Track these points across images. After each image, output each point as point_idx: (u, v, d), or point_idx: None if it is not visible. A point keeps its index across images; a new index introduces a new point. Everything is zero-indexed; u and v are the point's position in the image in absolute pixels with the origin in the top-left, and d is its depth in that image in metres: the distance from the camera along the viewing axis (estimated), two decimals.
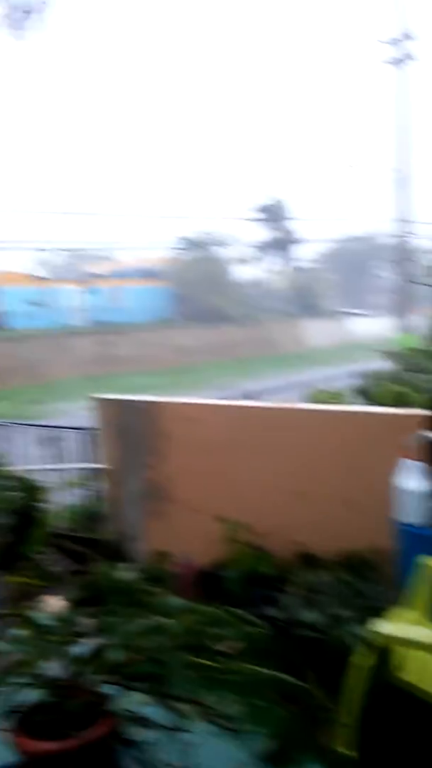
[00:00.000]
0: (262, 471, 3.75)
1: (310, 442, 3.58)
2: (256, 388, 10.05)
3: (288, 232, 38.24)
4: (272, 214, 37.15)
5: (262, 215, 37.09)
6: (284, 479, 3.65)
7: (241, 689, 2.68)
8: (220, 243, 32.87)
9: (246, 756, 2.38)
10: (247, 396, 8.94)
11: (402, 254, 19.23)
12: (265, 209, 37.05)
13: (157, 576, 3.77)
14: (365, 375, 8.20)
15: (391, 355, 8.57)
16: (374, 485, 3.31)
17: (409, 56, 19.40)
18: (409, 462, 2.98)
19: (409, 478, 2.96)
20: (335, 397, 7.99)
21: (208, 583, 3.39)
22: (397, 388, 6.53)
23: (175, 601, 2.68)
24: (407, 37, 19.28)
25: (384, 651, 2.17)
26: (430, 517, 2.93)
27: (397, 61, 19.36)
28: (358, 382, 8.74)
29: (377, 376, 7.88)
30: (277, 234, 38.21)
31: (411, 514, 2.95)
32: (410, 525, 2.94)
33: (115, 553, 3.97)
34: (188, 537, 3.95)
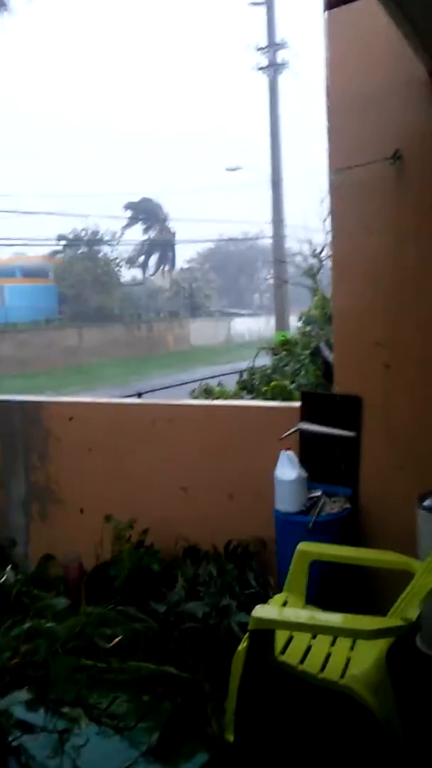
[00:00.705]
0: (147, 467, 3.78)
1: (192, 437, 3.65)
2: (144, 387, 10.03)
3: (167, 233, 38.45)
4: (149, 213, 37.18)
5: (139, 215, 37.02)
6: (169, 475, 3.71)
7: (128, 686, 2.70)
8: (103, 242, 32.42)
9: (133, 753, 2.40)
10: (137, 395, 8.93)
11: (277, 255, 19.91)
12: (141, 209, 37.01)
13: (44, 579, 3.70)
14: (247, 371, 8.45)
15: (268, 350, 8.90)
16: (255, 477, 3.43)
17: (280, 63, 20.13)
18: (285, 452, 3.12)
19: (286, 468, 3.11)
20: (221, 394, 8.19)
21: (95, 583, 3.36)
22: (277, 381, 6.79)
23: (60, 602, 2.65)
24: (278, 45, 20.00)
25: (263, 635, 2.27)
26: (304, 504, 3.09)
27: (269, 68, 20.02)
28: (241, 378, 9.00)
29: (258, 372, 8.17)
30: (157, 234, 38.30)
31: (287, 503, 3.10)
32: (286, 513, 3.08)
33: None
34: (75, 538, 3.90)
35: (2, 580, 2.16)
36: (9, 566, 2.54)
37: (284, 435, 3.20)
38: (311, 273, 10.42)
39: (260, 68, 20.07)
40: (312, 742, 2.31)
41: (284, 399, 5.52)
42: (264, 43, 19.93)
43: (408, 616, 2.13)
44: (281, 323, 19.19)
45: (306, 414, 3.29)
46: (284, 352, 8.35)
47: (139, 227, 37.91)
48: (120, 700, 2.66)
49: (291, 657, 2.36)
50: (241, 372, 9.79)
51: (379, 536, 3.09)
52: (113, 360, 26.22)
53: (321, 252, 10.72)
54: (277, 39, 19.94)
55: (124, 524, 3.57)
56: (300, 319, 10.18)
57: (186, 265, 41.72)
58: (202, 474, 3.63)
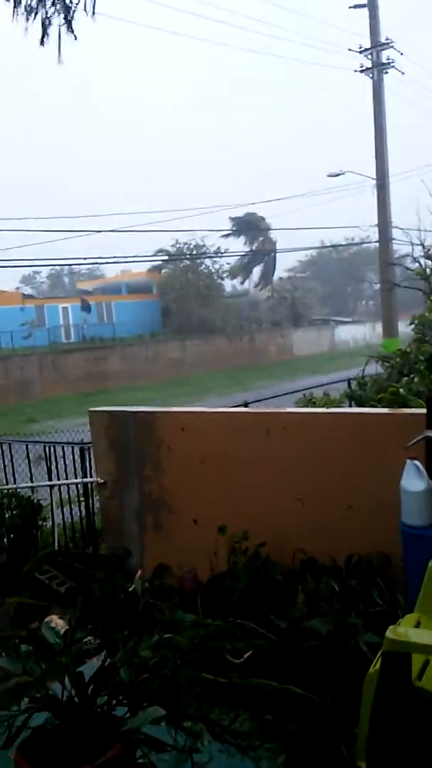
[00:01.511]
0: (262, 478, 3.69)
1: (310, 446, 3.53)
2: (249, 397, 10.00)
3: (269, 243, 38.47)
4: (251, 225, 37.35)
5: (241, 227, 37.29)
6: (285, 485, 3.60)
7: (250, 704, 2.61)
8: (205, 256, 32.97)
9: None
10: (243, 405, 8.92)
11: (384, 260, 19.32)
12: (243, 222, 37.26)
13: (159, 589, 3.71)
14: (355, 380, 8.19)
15: (379, 359, 8.58)
16: (378, 488, 3.26)
17: (384, 64, 19.65)
18: (412, 463, 2.93)
19: (413, 479, 2.91)
20: (328, 404, 7.99)
21: (211, 596, 3.31)
22: (391, 390, 6.51)
23: (182, 615, 2.61)
24: (383, 44, 19.53)
25: (400, 658, 2.11)
26: None
27: (373, 69, 19.57)
28: (348, 388, 8.74)
29: (367, 381, 7.89)
30: (259, 245, 38.42)
31: (416, 516, 2.90)
32: (415, 527, 2.89)
33: (115, 568, 3.89)
34: (189, 549, 3.88)
35: (131, 589, 2.14)
36: (137, 576, 2.53)
37: (410, 443, 3.01)
38: (425, 275, 10.00)
39: (363, 69, 19.67)
40: None
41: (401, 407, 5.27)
42: (366, 44, 19.52)
43: None
44: (389, 329, 18.60)
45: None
46: (397, 360, 8.02)
47: (241, 240, 38.21)
48: (242, 718, 2.58)
49: (429, 683, 2.18)
50: (349, 380, 9.53)
51: None
52: (216, 371, 26.52)
53: None
54: (381, 38, 19.46)
55: (239, 536, 3.51)
56: (411, 323, 9.77)
57: (287, 275, 41.55)
58: (318, 484, 3.49)
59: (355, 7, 19.83)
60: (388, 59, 19.98)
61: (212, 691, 2.59)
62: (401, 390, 6.45)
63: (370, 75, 20.04)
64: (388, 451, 3.24)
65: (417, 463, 2.93)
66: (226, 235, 36.73)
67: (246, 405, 8.95)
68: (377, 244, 20.24)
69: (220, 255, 33.38)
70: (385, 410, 3.76)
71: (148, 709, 1.60)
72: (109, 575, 3.37)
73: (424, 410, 3.15)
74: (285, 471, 3.61)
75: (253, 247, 38.07)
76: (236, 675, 2.67)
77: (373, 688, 2.16)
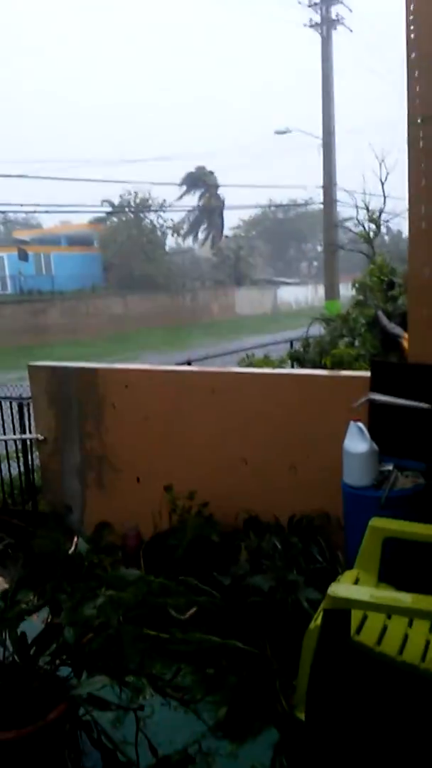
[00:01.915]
0: (206, 437, 3.68)
1: (254, 406, 3.53)
2: (191, 356, 9.94)
3: (216, 200, 37.92)
4: (199, 181, 36.67)
5: (189, 182, 36.56)
6: (230, 445, 3.60)
7: (191, 659, 2.64)
8: (149, 209, 32.20)
9: (201, 727, 2.35)
10: (186, 363, 8.85)
11: (328, 222, 19.38)
12: (191, 176, 36.53)
13: (101, 547, 3.68)
14: (298, 341, 8.25)
15: (321, 321, 8.66)
16: (321, 449, 3.30)
17: (333, 20, 19.34)
18: (355, 424, 2.97)
19: (355, 441, 2.96)
20: (270, 364, 8.03)
21: (154, 553, 3.31)
22: (334, 353, 6.59)
23: (126, 572, 2.59)
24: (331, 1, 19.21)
25: (341, 614, 2.16)
26: (375, 478, 2.94)
27: (321, 25, 19.26)
28: (291, 349, 8.79)
29: (310, 343, 7.96)
30: (205, 201, 37.82)
31: (357, 476, 2.95)
32: (356, 487, 2.94)
33: (55, 525, 3.83)
34: (131, 507, 3.86)
35: (73, 549, 2.11)
36: (77, 536, 2.50)
37: (355, 405, 3.04)
38: (368, 238, 10.13)
39: (313, 24, 19.33)
40: (388, 724, 2.21)
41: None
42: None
43: None
44: (331, 292, 18.83)
45: (376, 384, 3.12)
46: (339, 322, 8.11)
47: (191, 196, 37.44)
48: (184, 672, 2.61)
49: (367, 637, 2.25)
50: (291, 342, 9.59)
51: None
52: (158, 328, 26.27)
53: (380, 216, 10.41)
54: None
55: (184, 494, 3.50)
56: (353, 286, 9.87)
57: (232, 233, 41.19)
58: (263, 445, 3.51)
59: None
60: (337, 16, 19.68)
61: (155, 647, 2.61)
62: (344, 352, 6.54)
63: (319, 31, 19.71)
64: (332, 412, 3.27)
65: (360, 424, 2.97)
66: (180, 197, 36.01)
67: (189, 363, 8.91)
68: (321, 206, 20.29)
69: (164, 209, 32.69)
70: (330, 372, 3.78)
71: (93, 678, 1.58)
72: (50, 533, 3.32)
73: (368, 372, 3.19)
74: (230, 430, 3.61)
75: (200, 203, 37.45)
76: (179, 631, 2.69)
77: (314, 643, 2.21)
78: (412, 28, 2.79)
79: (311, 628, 2.25)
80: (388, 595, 2.25)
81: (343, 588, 2.21)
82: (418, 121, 2.72)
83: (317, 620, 2.24)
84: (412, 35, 2.79)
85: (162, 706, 2.39)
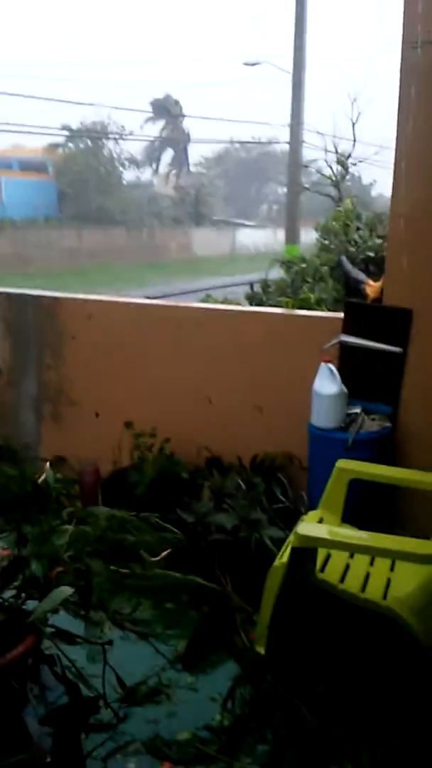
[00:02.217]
0: (170, 374, 3.58)
1: (221, 344, 3.44)
2: (150, 294, 9.73)
3: (180, 132, 36.62)
4: (164, 110, 35.23)
5: (152, 110, 35.08)
6: (194, 383, 3.52)
7: (155, 594, 2.63)
8: (109, 137, 30.78)
9: (160, 660, 2.35)
10: None
11: (294, 162, 18.93)
12: (156, 104, 35.03)
13: (57, 482, 3.59)
14: (258, 284, 8.13)
15: (282, 264, 8.55)
16: (288, 389, 3.26)
17: None
18: (326, 366, 2.92)
19: (325, 382, 2.92)
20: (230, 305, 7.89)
21: (112, 490, 3.25)
22: (302, 298, 6.52)
23: (102, 510, 2.52)
24: None
25: (302, 552, 2.16)
26: (343, 420, 2.93)
27: None
28: (250, 291, 8.67)
29: (270, 285, 7.86)
30: (169, 133, 36.47)
31: (324, 418, 2.93)
32: (323, 429, 2.93)
33: (10, 459, 3.72)
34: (89, 442, 3.77)
35: (41, 479, 2.02)
36: (48, 464, 2.42)
37: (326, 346, 2.99)
38: (336, 182, 9.91)
39: None
40: (348, 660, 2.25)
41: None
42: None
43: None
44: (292, 235, 18.54)
45: (348, 326, 3.06)
46: (302, 266, 8.01)
47: (153, 125, 35.92)
48: (143, 607, 2.59)
49: (330, 575, 2.26)
50: (251, 284, 9.47)
51: (416, 457, 2.95)
52: (114, 264, 25.59)
53: (348, 158, 10.17)
54: None
55: (146, 431, 3.43)
56: (316, 229, 9.72)
57: (193, 170, 40.00)
58: (228, 383, 3.45)
59: None
60: None
61: (118, 583, 2.57)
62: (310, 295, 6.46)
63: None
64: (301, 353, 3.21)
65: (331, 366, 2.93)
66: (147, 121, 34.45)
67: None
68: (286, 146, 19.75)
69: (123, 138, 31.31)
70: (300, 312, 3.71)
71: (56, 590, 1.52)
72: (14, 465, 3.22)
73: (338, 314, 3.13)
74: (194, 368, 3.52)
75: (163, 134, 36.08)
76: (139, 566, 2.66)
77: (279, 580, 2.21)
78: None
79: (276, 565, 2.24)
80: (355, 534, 2.26)
81: (312, 527, 2.20)
82: (417, 45, 2.56)
83: (282, 558, 2.23)
84: None
85: (122, 640, 2.37)
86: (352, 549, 2.25)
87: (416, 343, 2.92)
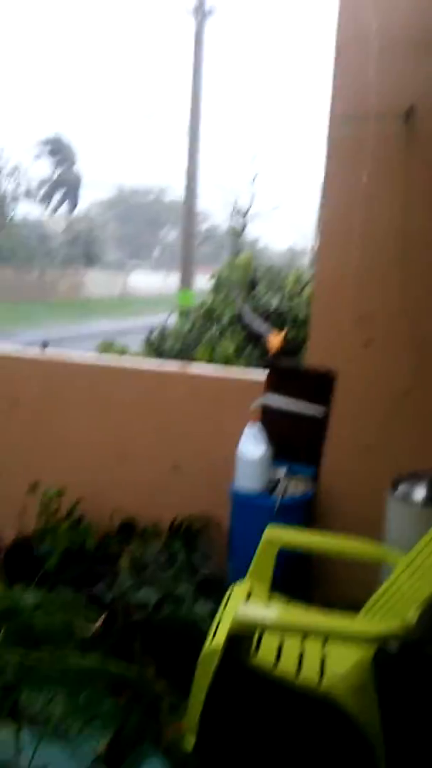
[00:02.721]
0: (80, 430, 3.37)
1: (137, 400, 3.28)
2: (38, 335, 9.32)
3: (72, 173, 36.46)
4: (56, 150, 34.99)
5: (44, 149, 34.73)
6: (107, 439, 3.33)
7: (68, 684, 2.36)
8: None
9: (78, 759, 2.09)
10: (42, 345, 8.24)
11: (188, 210, 19.34)
12: (48, 143, 34.73)
13: None
14: (158, 331, 8.05)
15: (177, 310, 8.57)
16: (207, 449, 3.16)
17: (206, 10, 19.28)
18: (251, 427, 2.85)
19: (250, 444, 2.84)
20: (124, 352, 7.77)
21: (17, 561, 2.95)
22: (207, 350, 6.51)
23: (29, 597, 2.24)
24: None
25: (242, 637, 2.02)
26: (267, 483, 2.85)
27: (194, 13, 19.11)
28: (150, 338, 8.58)
29: (167, 332, 7.81)
30: (61, 173, 36.22)
31: (249, 481, 2.84)
32: (247, 492, 2.83)
33: None
34: None
35: None
36: None
37: (252, 407, 2.92)
38: (236, 232, 10.16)
39: (187, 12, 19.10)
40: (285, 747, 2.11)
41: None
42: None
43: (407, 619, 1.95)
44: (186, 281, 18.76)
45: (272, 387, 3.02)
46: (202, 313, 8.04)
47: (41, 162, 35.46)
48: (57, 699, 2.32)
49: (265, 657, 2.13)
50: (150, 331, 9.38)
51: (339, 520, 2.93)
52: (0, 303, 24.64)
53: (247, 212, 10.50)
54: None
55: (53, 493, 3.16)
56: (212, 277, 9.87)
57: (86, 212, 39.84)
58: (144, 441, 3.28)
59: None
60: (209, 9, 19.64)
61: (22, 672, 2.29)
62: (230, 350, 6.44)
63: (194, 18, 19.54)
64: (222, 412, 3.14)
65: (256, 427, 2.85)
66: (33, 155, 33.88)
67: (45, 345, 8.34)
68: (180, 194, 20.20)
69: (15, 176, 30.64)
70: (224, 372, 3.64)
71: None
72: None
73: (263, 375, 3.09)
74: (108, 424, 3.33)
75: (55, 175, 35.70)
76: (48, 652, 2.39)
77: (212, 666, 2.05)
78: (340, 13, 2.70)
79: (209, 650, 2.08)
80: (301, 616, 2.14)
81: (250, 609, 2.06)
82: (342, 120, 2.64)
83: (216, 641, 2.07)
84: (340, 20, 2.71)
85: (33, 739, 2.09)
86: (296, 632, 2.14)
87: (338, 404, 2.93)
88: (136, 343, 8.16)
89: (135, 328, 10.01)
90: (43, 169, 35.47)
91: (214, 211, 13.81)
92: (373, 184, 2.72)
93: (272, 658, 2.15)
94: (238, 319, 7.33)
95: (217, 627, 2.18)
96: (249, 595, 2.37)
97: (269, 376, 3.05)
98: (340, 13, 2.71)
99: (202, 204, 19.40)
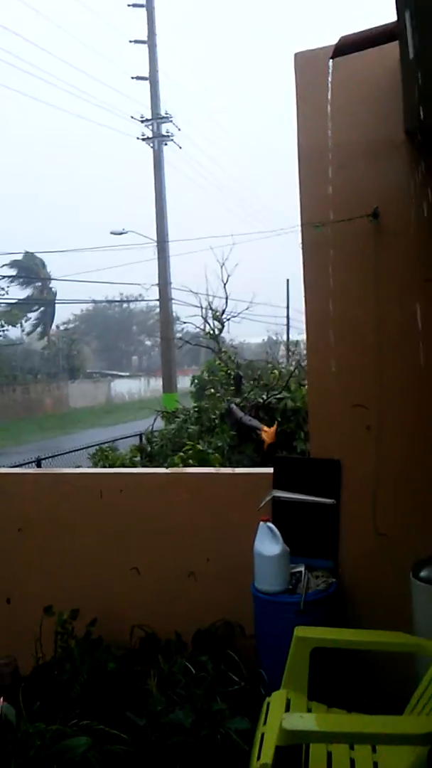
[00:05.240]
0: (91, 547, 3.32)
1: (145, 509, 3.26)
2: (26, 451, 9.30)
3: (48, 292, 37.63)
4: (30, 271, 36.26)
5: (21, 272, 35.97)
6: (119, 553, 3.27)
7: None
8: None
9: None
10: (36, 463, 8.21)
11: (165, 318, 19.95)
12: (23, 265, 36.02)
13: None
14: (146, 434, 8.07)
15: (164, 414, 8.65)
16: (222, 551, 3.12)
17: (164, 135, 20.79)
18: (265, 525, 2.83)
19: (266, 542, 2.81)
20: (120, 458, 7.75)
21: (37, 691, 2.80)
22: (191, 447, 6.51)
23: (81, 742, 2.11)
24: (163, 118, 20.70)
25: (291, 749, 1.92)
26: (288, 581, 2.80)
27: (153, 139, 20.58)
28: (140, 443, 8.59)
29: (156, 436, 7.83)
30: (37, 293, 37.36)
31: (269, 581, 2.79)
32: (269, 592, 2.77)
33: None
34: (4, 635, 3.31)
35: None
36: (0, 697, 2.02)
37: (261, 505, 2.92)
38: (213, 335, 10.46)
39: (144, 138, 20.55)
40: None
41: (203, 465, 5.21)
42: (148, 115, 20.49)
43: None
44: (168, 384, 19.03)
45: (280, 481, 3.04)
46: (193, 414, 8.12)
47: (16, 284, 36.64)
48: None
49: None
50: (141, 435, 9.42)
51: (363, 612, 2.86)
52: None
53: (222, 314, 10.87)
54: (162, 112, 20.59)
55: (66, 615, 3.07)
56: (192, 381, 10.06)
57: (63, 326, 40.82)
58: (157, 551, 3.23)
59: (137, 78, 20.82)
60: (167, 132, 21.16)
61: None
62: (200, 446, 6.45)
63: (151, 144, 21.02)
64: (232, 512, 3.12)
65: (270, 524, 2.84)
66: (7, 280, 35.03)
67: (39, 463, 8.30)
68: (157, 302, 20.88)
69: None
70: (229, 470, 3.65)
71: None
72: None
73: (270, 470, 3.11)
74: (117, 537, 3.29)
75: (30, 294, 36.81)
76: None
77: None
78: (300, 131, 2.96)
79: (256, 767, 1.97)
80: (348, 722, 2.04)
81: (297, 720, 1.97)
82: (308, 229, 2.85)
83: (264, 758, 1.97)
84: (300, 137, 2.96)
85: None
86: (347, 740, 2.04)
87: (347, 493, 2.94)
88: (127, 448, 8.18)
89: (129, 435, 10.05)
90: (16, 290, 36.55)
91: (189, 317, 14.18)
92: (347, 281, 2.88)
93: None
94: (228, 415, 7.38)
95: (261, 742, 2.08)
96: (288, 705, 2.27)
97: (276, 469, 3.06)
98: (299, 130, 2.97)
99: (177, 310, 20.00)
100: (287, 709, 2.24)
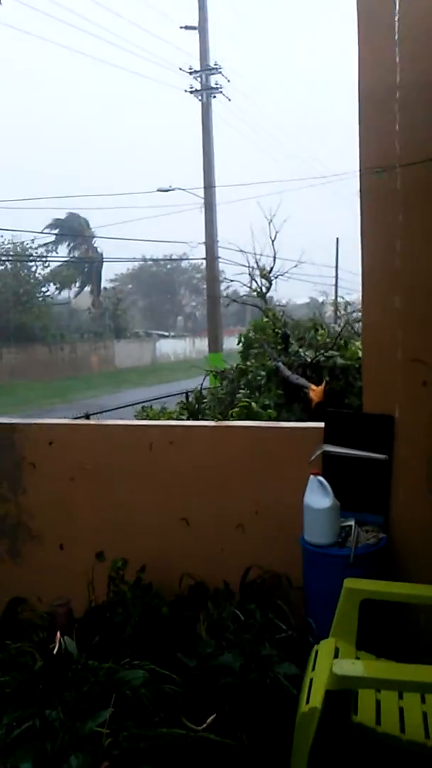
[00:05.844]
0: (141, 497, 3.38)
1: (196, 461, 3.29)
2: (82, 410, 9.48)
3: (94, 252, 37.79)
4: (75, 230, 36.42)
5: (64, 231, 36.17)
6: (167, 505, 3.32)
7: (160, 757, 2.28)
8: (25, 258, 31.30)
9: None
10: (85, 417, 8.38)
11: (211, 276, 19.83)
12: (67, 225, 36.20)
13: (15, 628, 3.21)
14: (195, 393, 8.12)
15: (215, 373, 8.65)
16: (271, 505, 3.13)
17: (212, 88, 20.30)
18: (315, 478, 2.83)
19: (317, 495, 2.81)
20: (168, 416, 7.81)
21: (90, 632, 2.91)
22: (241, 404, 6.51)
23: (129, 672, 2.18)
24: (211, 69, 20.18)
25: (341, 695, 1.95)
26: (338, 534, 2.80)
27: (201, 91, 20.13)
28: (186, 401, 8.64)
29: (205, 396, 7.85)
30: (83, 253, 37.57)
31: (319, 534, 2.80)
32: (319, 545, 2.78)
33: None
34: (54, 578, 3.43)
35: (56, 649, 1.72)
36: (60, 633, 2.10)
37: (311, 458, 2.91)
38: (261, 293, 10.33)
39: (192, 91, 20.12)
40: None
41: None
42: (197, 66, 20.00)
43: None
44: (214, 344, 19.05)
45: (331, 435, 3.01)
46: (237, 375, 8.10)
47: (63, 244, 36.95)
48: None
49: (365, 717, 2.05)
50: (186, 393, 9.48)
51: (413, 567, 2.85)
52: (36, 382, 25.18)
53: (270, 271, 10.69)
54: (210, 63, 20.06)
55: (120, 562, 3.15)
56: (239, 341, 10.00)
57: (110, 285, 41.05)
58: (206, 503, 3.27)
59: (186, 28, 20.26)
60: (216, 84, 20.65)
61: (108, 747, 2.22)
62: (252, 403, 6.46)
63: (199, 97, 20.57)
64: (282, 466, 3.12)
65: (320, 478, 2.83)
66: (54, 243, 35.34)
67: (88, 417, 8.47)
68: (201, 261, 20.79)
69: (44, 259, 31.91)
70: (280, 423, 3.64)
71: None
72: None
73: (321, 424, 3.08)
74: (168, 488, 3.34)
75: (76, 254, 37.06)
76: (133, 725, 2.32)
77: (312, 728, 1.97)
78: (361, 67, 2.83)
79: (305, 710, 2.01)
80: (399, 670, 2.05)
81: (348, 665, 1.99)
82: (368, 175, 2.74)
83: (313, 701, 2.00)
84: (361, 74, 2.84)
85: None
86: (399, 688, 2.05)
87: (399, 449, 2.90)
88: (173, 407, 8.26)
89: (175, 393, 10.12)
90: (66, 249, 36.80)
91: (236, 275, 14.00)
92: (409, 226, 2.78)
93: (373, 716, 2.07)
94: (275, 374, 7.33)
95: (309, 687, 2.11)
96: (336, 653, 2.30)
97: (327, 424, 3.04)
98: (360, 67, 2.84)
99: (224, 269, 19.86)
100: (336, 657, 2.27)
